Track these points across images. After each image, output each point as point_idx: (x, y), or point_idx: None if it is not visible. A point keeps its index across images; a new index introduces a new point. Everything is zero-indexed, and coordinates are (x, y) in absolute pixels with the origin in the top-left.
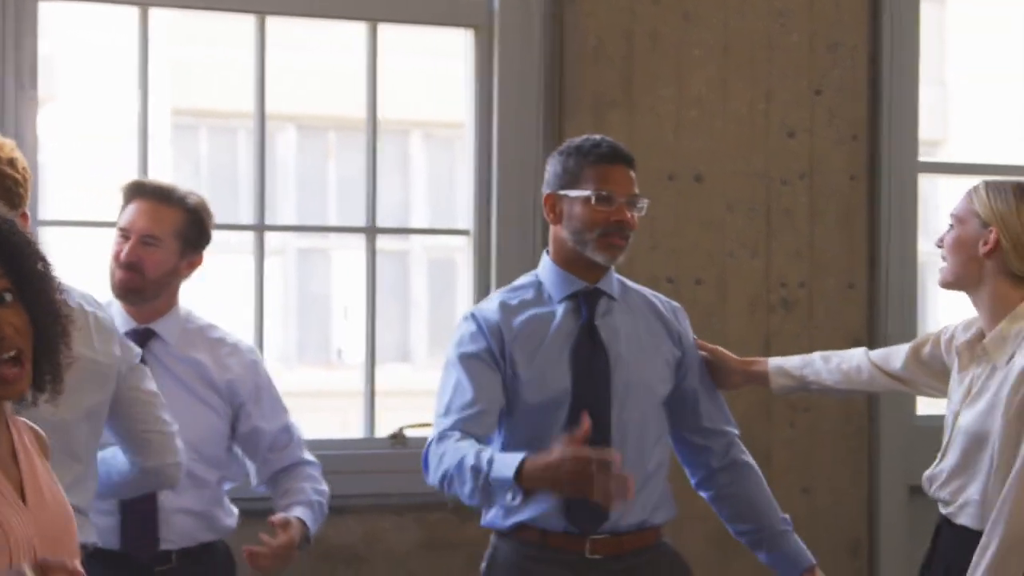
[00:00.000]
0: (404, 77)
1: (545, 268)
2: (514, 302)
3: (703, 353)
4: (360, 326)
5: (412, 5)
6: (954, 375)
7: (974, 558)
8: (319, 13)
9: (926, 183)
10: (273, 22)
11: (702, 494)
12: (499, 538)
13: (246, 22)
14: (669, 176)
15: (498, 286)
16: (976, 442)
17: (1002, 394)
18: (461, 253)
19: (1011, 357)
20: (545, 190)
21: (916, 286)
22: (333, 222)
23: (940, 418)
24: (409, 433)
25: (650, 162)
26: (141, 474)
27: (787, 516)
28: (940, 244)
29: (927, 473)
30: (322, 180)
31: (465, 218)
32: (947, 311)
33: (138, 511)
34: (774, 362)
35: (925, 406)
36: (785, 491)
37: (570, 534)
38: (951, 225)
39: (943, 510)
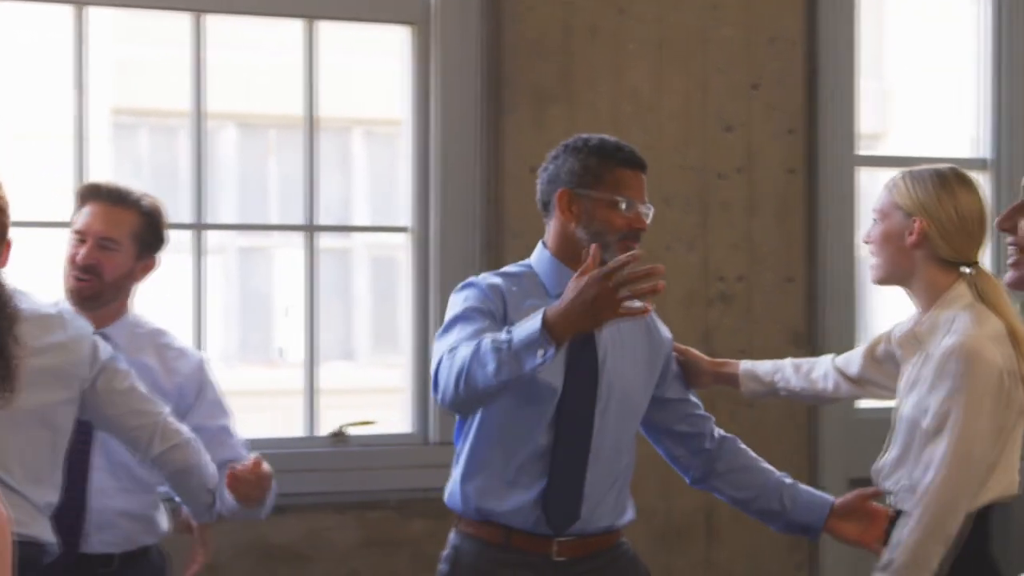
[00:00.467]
0: (343, 74)
1: (542, 260)
2: (513, 288)
3: (675, 354)
4: (302, 324)
5: (350, 2)
6: (901, 368)
7: (893, 535)
8: (257, 11)
9: (865, 176)
10: (211, 20)
11: (703, 486)
12: (461, 537)
13: (184, 20)
14: None
15: (439, 283)
16: (913, 430)
17: (928, 379)
18: (403, 251)
19: (940, 345)
20: (557, 186)
21: (854, 279)
22: (274, 220)
23: (880, 411)
24: (351, 431)
25: None
26: (157, 467)
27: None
28: (868, 240)
29: (874, 466)
30: (263, 178)
31: (405, 215)
32: (886, 304)
33: (64, 515)
34: (745, 365)
35: (866, 400)
36: None
37: (536, 535)
38: (875, 220)
39: (889, 500)
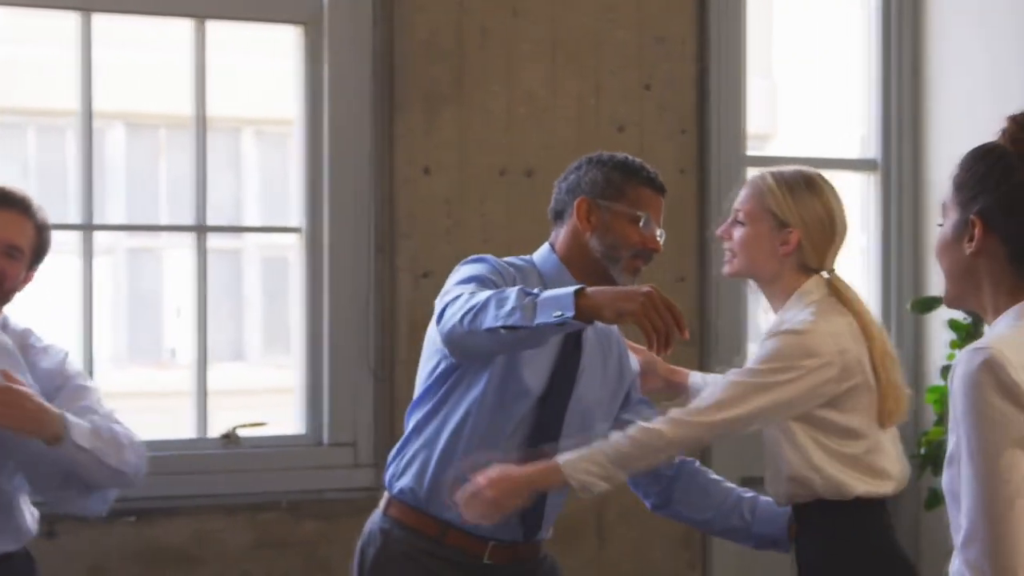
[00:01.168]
0: (234, 74)
1: (548, 261)
2: (519, 277)
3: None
4: (192, 325)
5: (240, 2)
6: None
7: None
8: (146, 10)
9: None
10: (99, 19)
11: (664, 512)
12: (391, 523)
13: (72, 19)
14: (501, 171)
15: (330, 283)
16: None
17: None
18: (294, 251)
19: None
20: (577, 195)
21: (746, 279)
22: (164, 221)
23: None
24: (242, 433)
25: (482, 158)
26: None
27: None
28: (725, 236)
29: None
30: (152, 178)
31: (296, 216)
32: None
33: None
34: (694, 377)
35: None
36: (620, 483)
37: (472, 535)
38: (739, 220)
39: None
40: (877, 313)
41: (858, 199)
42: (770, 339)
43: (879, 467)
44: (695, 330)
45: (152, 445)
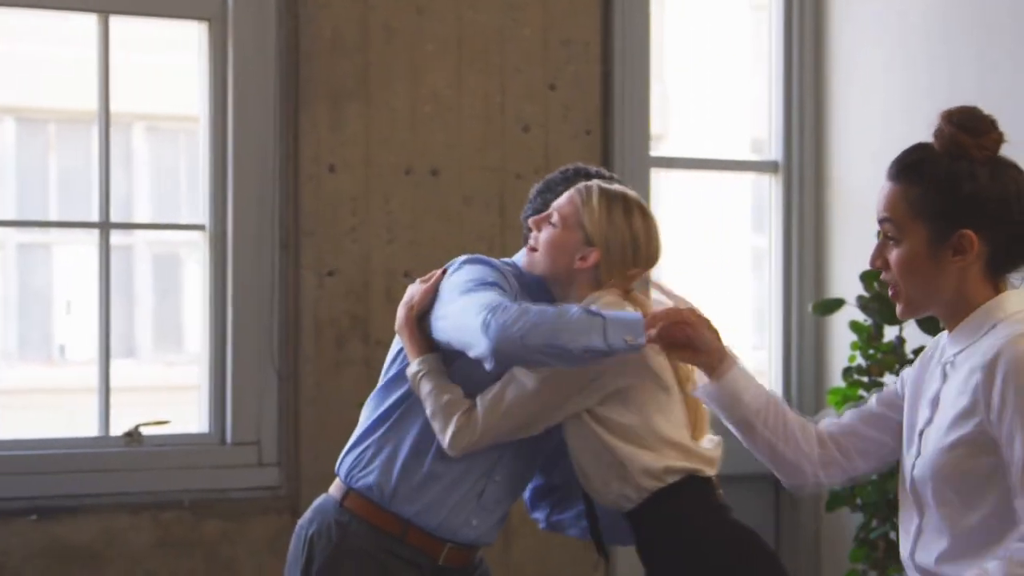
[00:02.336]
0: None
1: (525, 273)
2: (510, 275)
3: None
4: (86, 322)
5: None
6: None
7: None
8: (48, 4)
9: (659, 177)
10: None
11: (554, 530)
12: (349, 516)
13: None
14: (406, 170)
15: (234, 281)
16: None
17: None
18: (186, 248)
19: None
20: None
21: (648, 279)
22: (54, 216)
23: None
24: (145, 431)
25: (387, 156)
26: None
27: None
28: (535, 228)
29: None
30: (43, 174)
31: (199, 212)
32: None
33: None
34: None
35: None
36: None
37: (432, 536)
38: (552, 222)
39: None
40: (779, 315)
41: (759, 200)
42: None
43: (687, 447)
44: None
45: (55, 443)
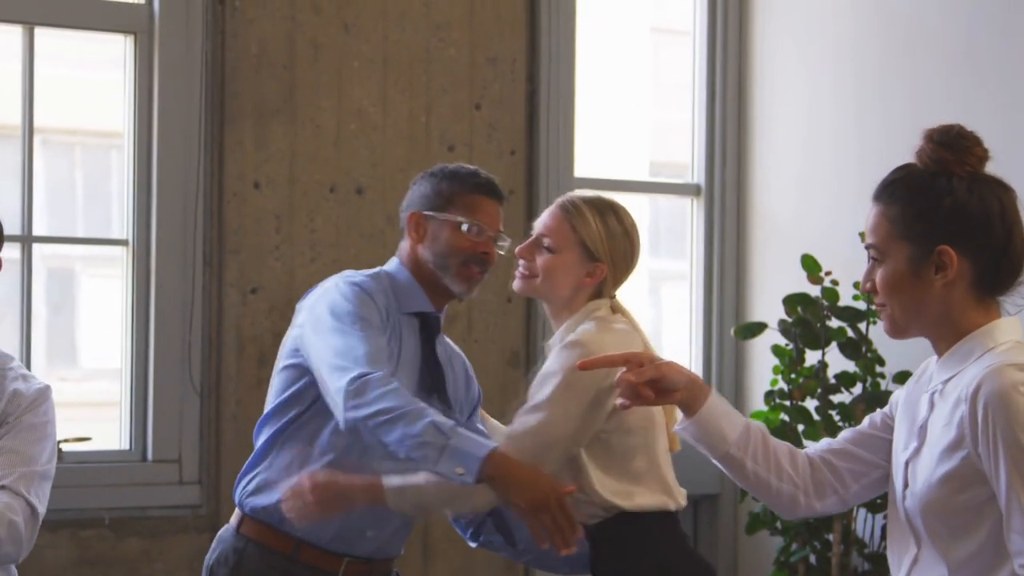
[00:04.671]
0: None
1: (398, 274)
2: (377, 288)
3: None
4: (16, 337)
5: (70, 9)
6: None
7: None
8: None
9: None
10: None
11: (479, 545)
12: (244, 541)
13: None
14: (331, 188)
15: (156, 297)
16: None
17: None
18: (80, 262)
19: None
20: (410, 209)
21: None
22: None
23: None
24: (65, 447)
25: (312, 174)
26: None
27: None
28: (526, 257)
29: None
30: None
31: (120, 227)
32: None
33: None
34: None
35: None
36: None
37: (327, 552)
38: (546, 245)
39: None
40: (700, 338)
41: (680, 224)
42: (562, 351)
43: (665, 482)
44: (522, 352)
45: None
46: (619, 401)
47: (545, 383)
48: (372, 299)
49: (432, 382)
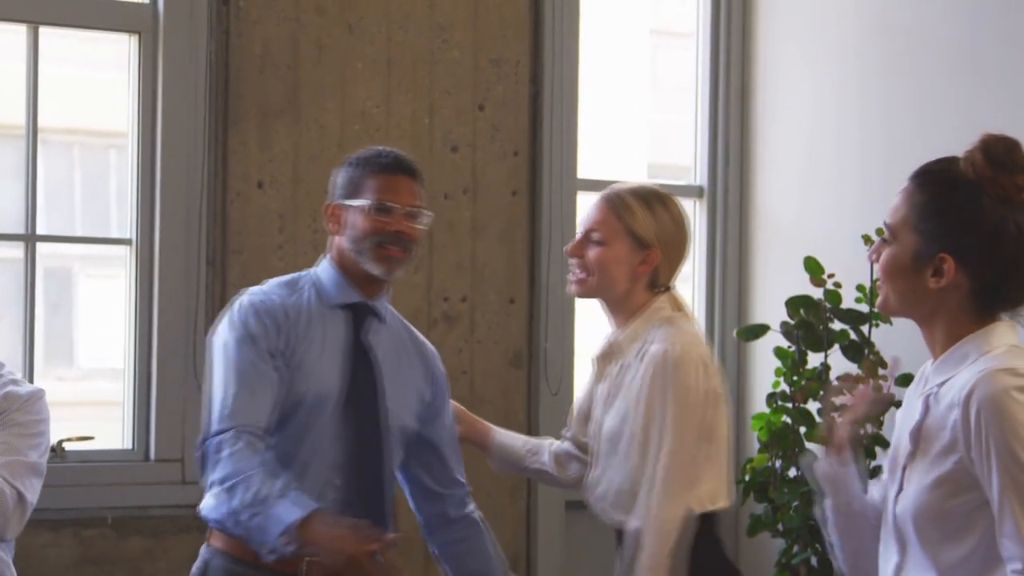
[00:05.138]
0: (56, 83)
1: (325, 270)
2: (293, 295)
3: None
4: (19, 337)
5: (75, 8)
6: (589, 388)
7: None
8: None
9: (586, 200)
10: None
11: (432, 543)
12: (212, 552)
13: None
14: None
15: (160, 297)
16: (614, 440)
17: (633, 387)
18: (79, 262)
19: (642, 355)
20: (329, 202)
21: (573, 301)
22: None
23: None
24: (68, 447)
25: (315, 174)
26: None
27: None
28: (576, 254)
29: (584, 482)
30: None
31: (119, 227)
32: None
33: None
34: (499, 435)
35: None
36: None
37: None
38: (595, 240)
39: (608, 518)
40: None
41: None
42: (656, 366)
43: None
44: (525, 352)
45: None
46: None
47: (653, 426)
48: (264, 314)
49: (359, 373)
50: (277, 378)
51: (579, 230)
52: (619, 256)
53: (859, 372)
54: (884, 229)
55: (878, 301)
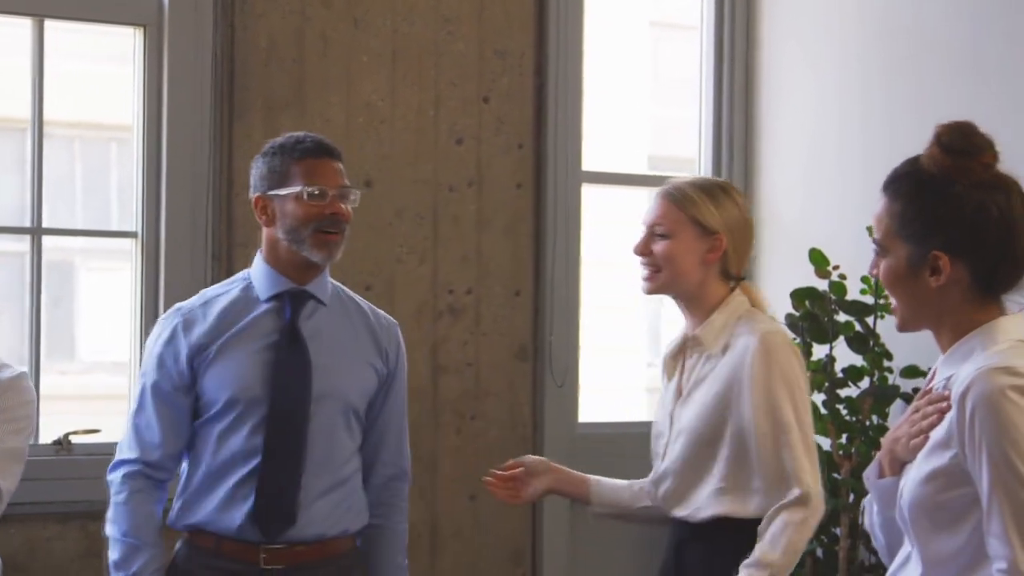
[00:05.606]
0: (62, 77)
1: (256, 267)
2: (219, 297)
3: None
4: (25, 330)
5: (79, 2)
6: (662, 390)
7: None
8: None
9: (590, 192)
10: None
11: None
12: (181, 542)
13: None
14: None
15: (167, 289)
16: (697, 436)
17: (721, 375)
18: (80, 255)
19: (726, 348)
20: (253, 193)
21: (579, 293)
22: None
23: (602, 425)
24: (74, 439)
25: None
26: None
27: None
28: (644, 252)
29: (650, 478)
30: None
31: (121, 220)
32: (606, 319)
33: None
34: (598, 485)
35: (587, 414)
36: (451, 498)
37: (244, 542)
38: (659, 234)
39: (675, 512)
40: None
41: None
42: (756, 355)
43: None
44: (530, 344)
45: None
46: None
47: (782, 439)
48: (175, 331)
49: (289, 362)
50: (186, 405)
51: (642, 229)
52: (686, 246)
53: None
54: (874, 244)
55: (896, 323)
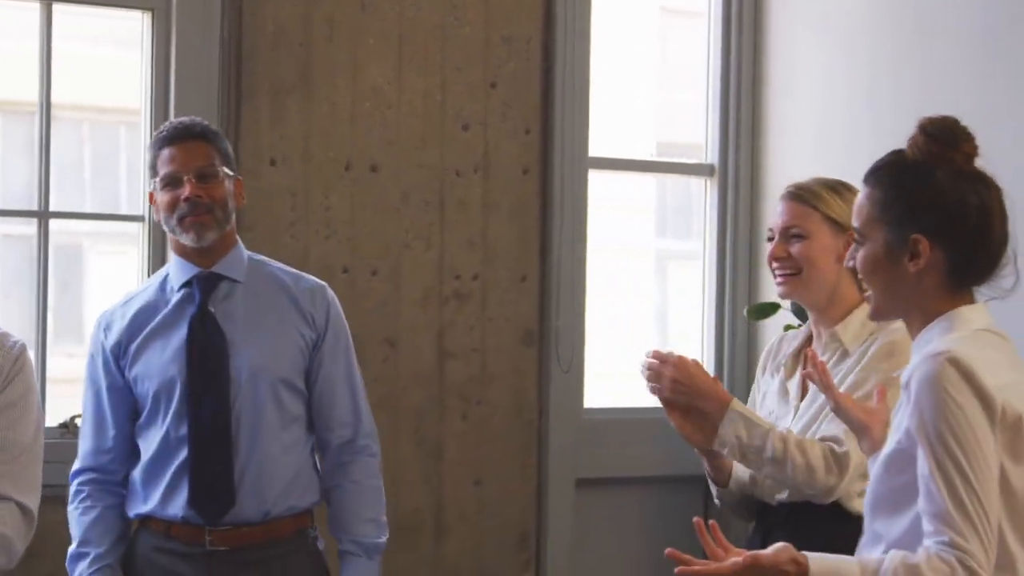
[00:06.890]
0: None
1: (170, 259)
2: (138, 295)
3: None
4: (31, 313)
5: None
6: (772, 388)
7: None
8: None
9: (596, 178)
10: None
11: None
12: (138, 529)
13: None
14: (346, 166)
15: None
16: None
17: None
18: (88, 239)
19: (865, 348)
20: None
21: (585, 279)
22: None
23: (608, 410)
24: (80, 423)
25: (327, 151)
26: None
27: (374, 542)
28: (780, 255)
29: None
30: None
31: (136, 204)
32: (612, 305)
33: None
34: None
35: (593, 399)
36: (457, 483)
37: (190, 524)
38: (795, 235)
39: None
40: (712, 319)
41: (688, 204)
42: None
43: None
44: (536, 330)
45: None
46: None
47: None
48: (97, 336)
49: (206, 345)
50: (126, 405)
51: (773, 235)
52: (824, 244)
53: None
54: (854, 233)
55: (870, 311)
